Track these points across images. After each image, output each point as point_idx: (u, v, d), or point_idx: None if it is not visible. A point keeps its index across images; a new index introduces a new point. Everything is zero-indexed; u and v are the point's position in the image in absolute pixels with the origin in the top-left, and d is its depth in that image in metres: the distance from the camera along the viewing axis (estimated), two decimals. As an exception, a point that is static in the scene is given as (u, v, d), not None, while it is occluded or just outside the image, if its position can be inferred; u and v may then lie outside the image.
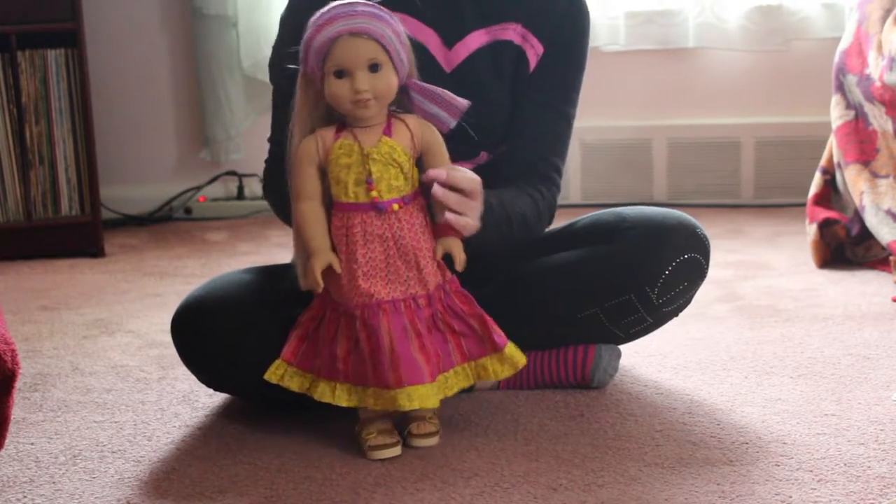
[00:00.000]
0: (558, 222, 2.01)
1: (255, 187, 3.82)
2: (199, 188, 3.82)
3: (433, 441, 1.74)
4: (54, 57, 3.22)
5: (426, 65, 1.79)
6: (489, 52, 1.91)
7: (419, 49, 1.78)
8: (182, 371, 2.13)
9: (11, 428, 1.78)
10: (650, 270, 1.84)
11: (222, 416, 1.92)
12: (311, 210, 1.67)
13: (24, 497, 1.62)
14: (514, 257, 1.99)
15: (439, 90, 1.68)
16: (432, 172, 1.65)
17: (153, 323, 2.51)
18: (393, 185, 1.65)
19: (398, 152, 1.66)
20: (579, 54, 1.95)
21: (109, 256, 3.28)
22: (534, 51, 1.92)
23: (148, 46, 3.81)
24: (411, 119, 1.68)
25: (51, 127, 3.23)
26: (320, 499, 1.59)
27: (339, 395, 1.69)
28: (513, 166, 1.90)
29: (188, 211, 3.80)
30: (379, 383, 1.65)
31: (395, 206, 1.65)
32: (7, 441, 1.75)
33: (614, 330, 1.91)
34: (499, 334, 1.73)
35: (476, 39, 1.91)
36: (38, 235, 3.25)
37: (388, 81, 1.64)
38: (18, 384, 1.77)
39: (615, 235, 1.87)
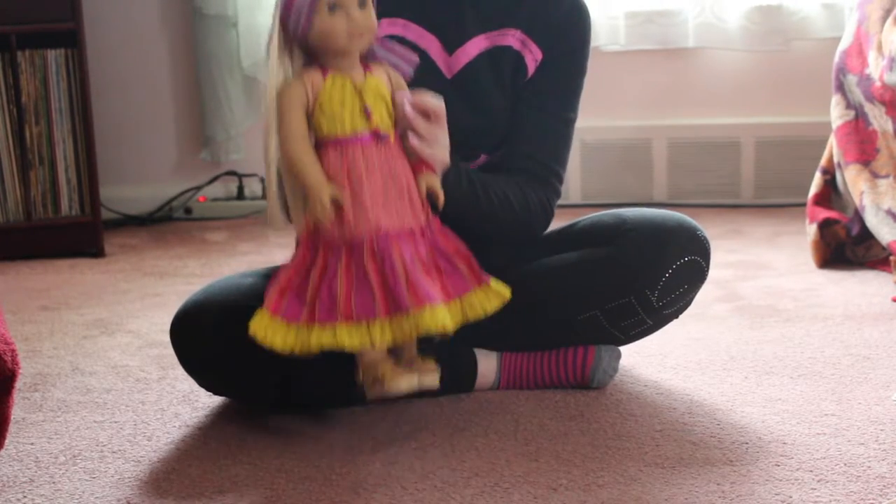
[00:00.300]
0: (558, 223, 2.01)
1: (254, 187, 3.82)
2: (199, 188, 3.82)
3: (436, 379, 1.72)
4: (54, 57, 3.22)
5: (427, 71, 1.80)
6: (489, 58, 1.91)
7: (420, 55, 1.78)
8: (182, 371, 2.12)
9: (11, 428, 1.78)
10: (650, 273, 1.84)
11: (222, 416, 1.92)
12: (304, 151, 1.67)
13: (24, 497, 1.62)
14: (513, 259, 1.99)
15: (395, 42, 1.73)
16: (400, 93, 1.69)
17: (153, 323, 2.51)
18: (384, 118, 1.69)
19: (383, 88, 1.70)
20: (579, 60, 1.95)
21: (109, 256, 3.28)
22: (532, 56, 1.92)
23: (148, 46, 3.81)
24: (379, 64, 1.72)
25: (51, 127, 3.23)
26: (320, 499, 1.59)
27: (342, 337, 1.65)
28: (508, 170, 1.91)
29: (188, 211, 3.80)
30: (397, 310, 1.65)
31: (392, 137, 1.69)
32: (7, 441, 1.75)
33: (614, 332, 1.91)
34: (482, 271, 1.75)
35: (476, 45, 1.91)
36: (38, 235, 3.25)
37: (374, 19, 1.68)
38: (18, 384, 1.77)
39: (615, 238, 1.87)
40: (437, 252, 1.73)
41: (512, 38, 1.91)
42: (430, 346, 1.77)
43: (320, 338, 1.66)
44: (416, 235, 1.69)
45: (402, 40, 1.86)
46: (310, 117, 1.68)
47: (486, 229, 1.88)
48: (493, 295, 1.74)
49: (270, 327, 1.68)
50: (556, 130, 1.93)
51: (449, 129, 1.75)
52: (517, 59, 1.92)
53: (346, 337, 1.65)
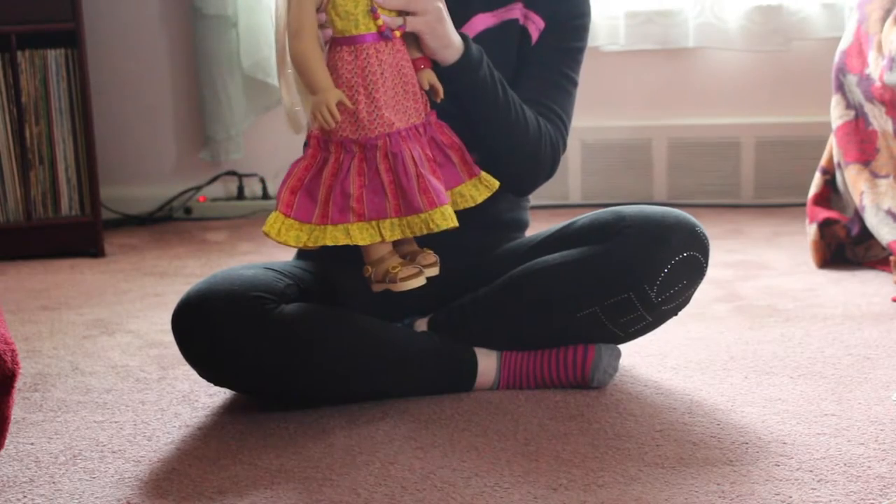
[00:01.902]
0: (558, 222, 2.01)
1: (254, 187, 3.82)
2: (199, 188, 3.82)
3: (437, 269, 1.80)
4: (54, 57, 3.22)
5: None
6: (497, 34, 1.96)
7: None
8: (182, 371, 2.13)
9: (11, 428, 1.78)
10: (649, 269, 1.84)
11: (222, 416, 1.92)
12: (313, 49, 1.71)
13: (24, 497, 1.62)
14: (512, 255, 2.00)
15: None
16: None
17: (153, 323, 2.51)
18: (391, 16, 1.73)
19: None
20: (579, 28, 2.01)
21: (109, 256, 3.28)
22: (535, 26, 1.98)
23: (148, 46, 3.81)
24: None
25: (51, 127, 3.23)
26: (320, 499, 1.59)
27: (354, 235, 1.72)
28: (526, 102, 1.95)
29: (188, 211, 3.80)
30: (408, 211, 1.71)
31: (398, 33, 1.73)
32: (7, 441, 1.75)
33: (613, 329, 1.91)
34: (473, 163, 1.82)
35: (482, 22, 1.97)
36: (38, 235, 3.25)
37: None
38: (18, 384, 1.77)
39: (614, 234, 1.87)
40: (434, 145, 1.78)
41: (517, 11, 1.97)
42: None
43: (334, 237, 1.72)
44: (421, 132, 1.76)
45: None
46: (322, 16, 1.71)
47: (497, 134, 1.89)
48: (483, 187, 1.82)
49: (284, 226, 1.73)
50: (561, 86, 1.98)
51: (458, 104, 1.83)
52: (521, 31, 1.97)
53: (359, 235, 1.72)
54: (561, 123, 1.97)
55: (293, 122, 1.78)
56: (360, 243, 1.73)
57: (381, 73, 1.71)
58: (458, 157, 1.81)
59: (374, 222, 1.72)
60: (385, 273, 1.76)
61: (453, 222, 1.72)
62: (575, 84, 2.01)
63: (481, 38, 1.94)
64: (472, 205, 1.82)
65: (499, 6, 1.98)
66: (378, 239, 1.73)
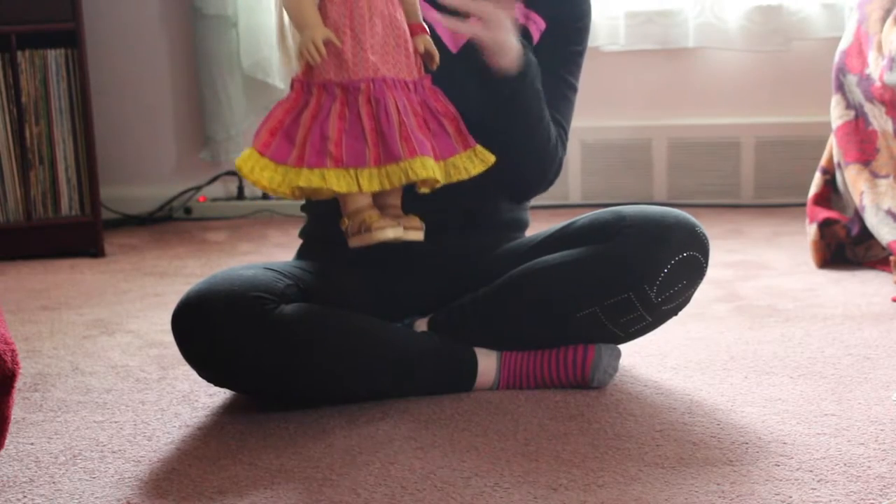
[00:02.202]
0: (558, 222, 2.01)
1: (254, 187, 3.81)
2: (199, 188, 3.82)
3: (421, 234, 1.75)
4: (54, 57, 3.22)
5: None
6: None
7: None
8: (182, 371, 2.13)
9: (11, 428, 1.78)
10: (649, 268, 1.84)
11: (222, 416, 1.92)
12: None
13: (24, 497, 1.62)
14: (512, 255, 2.00)
15: None
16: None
17: (153, 323, 2.51)
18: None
19: None
20: (581, 31, 2.01)
21: (109, 256, 3.28)
22: (536, 27, 1.98)
23: (148, 46, 3.81)
24: None
25: (51, 127, 3.23)
26: (320, 499, 1.59)
27: (330, 181, 1.66)
28: None
29: (188, 211, 3.80)
30: (388, 159, 1.66)
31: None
32: (7, 441, 1.75)
33: (613, 329, 1.91)
34: (468, 134, 1.78)
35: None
36: (38, 235, 3.25)
37: None
38: (18, 384, 1.77)
39: (614, 234, 1.87)
40: (427, 111, 1.76)
41: (516, 11, 1.96)
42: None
43: (308, 179, 1.66)
44: (411, 88, 1.72)
45: None
46: None
47: (521, 142, 1.90)
48: (477, 160, 1.78)
49: (258, 165, 1.69)
50: (561, 91, 1.99)
51: (455, 102, 1.80)
52: (522, 31, 1.96)
53: (335, 181, 1.66)
54: (562, 131, 1.98)
55: (287, 64, 1.78)
56: (336, 190, 1.67)
57: (370, 18, 1.69)
58: (452, 126, 1.78)
59: (351, 171, 1.67)
60: (360, 223, 1.70)
61: (434, 174, 1.68)
62: (575, 90, 2.02)
63: None
64: (466, 177, 1.78)
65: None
66: (355, 189, 1.67)
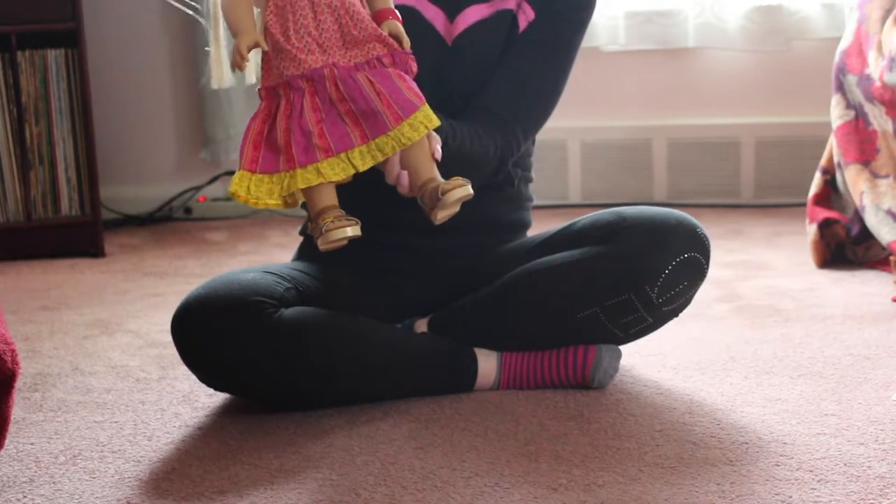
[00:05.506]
0: (558, 222, 2.01)
1: (255, 187, 3.82)
2: (199, 188, 3.82)
3: (469, 190, 1.66)
4: (54, 57, 3.22)
5: (431, 40, 1.82)
6: (490, 24, 1.94)
7: (425, 25, 1.80)
8: (182, 371, 2.13)
9: (11, 428, 1.78)
10: (650, 269, 1.84)
11: (222, 416, 1.92)
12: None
13: (24, 497, 1.62)
14: (513, 255, 2.00)
15: None
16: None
17: (153, 323, 2.51)
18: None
19: None
20: (574, 22, 1.97)
21: (109, 256, 3.28)
22: (525, 16, 1.95)
23: (148, 46, 3.81)
24: None
25: (51, 127, 3.23)
26: (320, 499, 1.59)
27: (326, 172, 1.63)
28: (475, 108, 1.91)
29: (188, 211, 3.80)
30: (375, 133, 1.63)
31: None
32: (7, 441, 1.75)
33: (614, 329, 1.91)
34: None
35: (477, 12, 1.95)
36: (38, 235, 3.25)
37: None
38: (18, 384, 1.77)
39: (615, 235, 1.87)
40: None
41: (511, 1, 1.95)
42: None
43: (305, 178, 1.63)
44: (383, 62, 1.66)
45: (412, 10, 1.90)
46: None
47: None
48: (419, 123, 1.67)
49: (252, 183, 1.65)
50: (533, 80, 1.94)
51: (449, 93, 1.80)
52: (512, 18, 1.95)
53: (330, 171, 1.63)
54: (518, 127, 1.93)
55: (218, 76, 1.77)
56: (334, 179, 1.63)
57: (314, 7, 1.63)
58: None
59: (343, 155, 1.63)
60: (322, 226, 1.65)
61: (427, 126, 1.62)
62: (559, 82, 1.97)
63: (474, 29, 1.93)
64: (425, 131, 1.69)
65: None
66: (351, 171, 1.63)
